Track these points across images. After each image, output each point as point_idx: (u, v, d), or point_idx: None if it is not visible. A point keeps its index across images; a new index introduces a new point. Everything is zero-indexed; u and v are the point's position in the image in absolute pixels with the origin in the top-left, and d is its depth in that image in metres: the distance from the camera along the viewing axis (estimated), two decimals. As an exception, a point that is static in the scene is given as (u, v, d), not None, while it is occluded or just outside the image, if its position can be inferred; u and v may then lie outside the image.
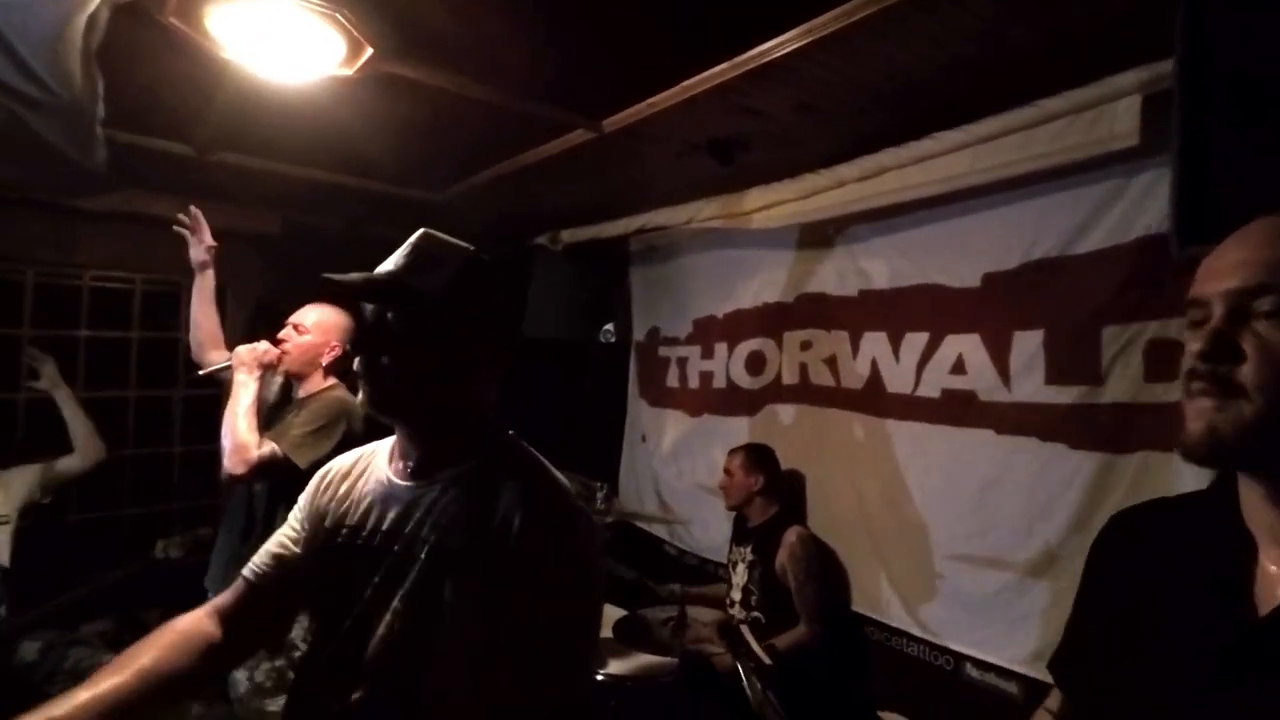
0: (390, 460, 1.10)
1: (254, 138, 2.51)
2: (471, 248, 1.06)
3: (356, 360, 1.03)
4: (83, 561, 3.03)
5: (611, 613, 2.52)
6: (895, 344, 2.56)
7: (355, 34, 1.61)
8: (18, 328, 3.09)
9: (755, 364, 3.17)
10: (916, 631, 2.44)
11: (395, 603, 0.96)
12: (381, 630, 0.96)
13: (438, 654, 0.93)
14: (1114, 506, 1.88)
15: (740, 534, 2.75)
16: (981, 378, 2.28)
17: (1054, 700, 1.00)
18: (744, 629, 1.88)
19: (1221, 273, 0.72)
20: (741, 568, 2.66)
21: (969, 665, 2.28)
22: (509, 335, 1.09)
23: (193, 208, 2.32)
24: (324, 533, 1.10)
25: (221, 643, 1.10)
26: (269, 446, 1.97)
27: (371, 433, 2.13)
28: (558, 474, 1.04)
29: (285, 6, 1.52)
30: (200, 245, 2.30)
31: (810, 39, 1.66)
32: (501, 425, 1.09)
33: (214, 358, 2.27)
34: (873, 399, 2.63)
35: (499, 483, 0.97)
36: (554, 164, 2.59)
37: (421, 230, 1.06)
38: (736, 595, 2.64)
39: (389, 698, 0.94)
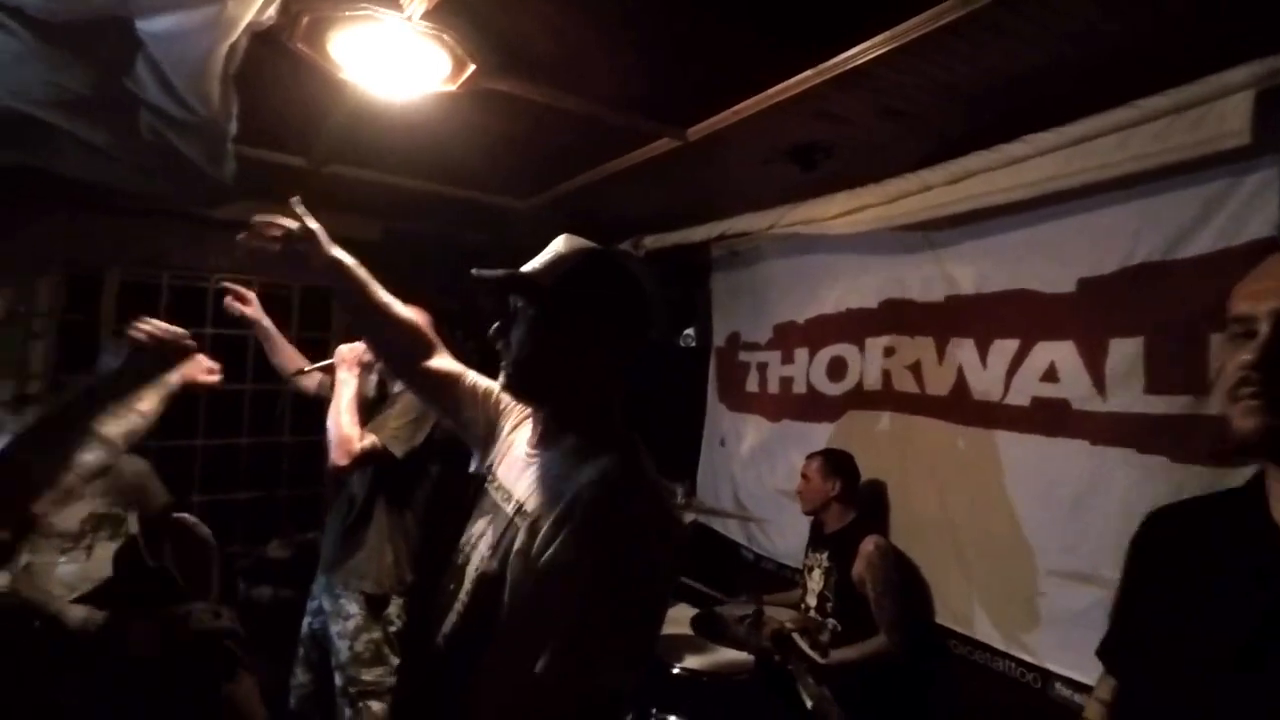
0: (532, 428, 1.20)
1: (362, 150, 2.70)
2: (599, 246, 1.15)
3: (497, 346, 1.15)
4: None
5: (687, 611, 2.57)
6: (983, 350, 2.50)
7: (459, 52, 1.74)
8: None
9: (837, 370, 3.15)
10: (1003, 647, 2.37)
11: (484, 549, 1.08)
12: (472, 571, 1.07)
13: (501, 606, 1.00)
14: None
15: (817, 540, 2.74)
16: (1075, 386, 2.21)
17: (1104, 689, 1.08)
18: (795, 635, 1.89)
19: (1267, 294, 0.86)
20: (817, 574, 2.65)
21: (1058, 684, 2.19)
22: (628, 326, 1.14)
23: (227, 283, 2.51)
24: (487, 454, 1.27)
25: (417, 351, 1.37)
26: (369, 439, 2.15)
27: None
28: (651, 467, 1.08)
29: (397, 29, 1.66)
30: (251, 307, 2.48)
31: (895, 44, 1.67)
32: (621, 414, 1.14)
33: (295, 365, 2.54)
34: (958, 406, 2.58)
35: (592, 458, 1.03)
36: (639, 172, 2.67)
37: (563, 234, 1.17)
38: (812, 601, 2.63)
39: (471, 637, 1.03)
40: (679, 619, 2.50)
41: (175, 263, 3.48)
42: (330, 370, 2.29)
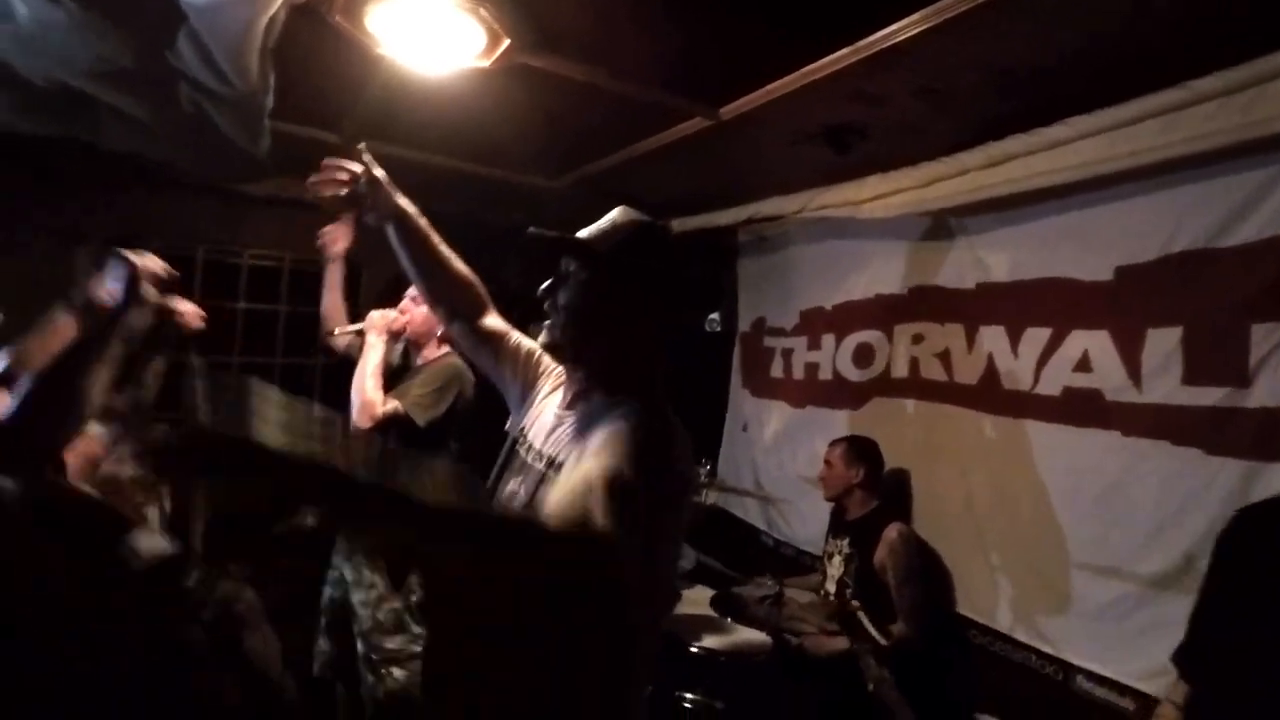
0: (565, 391, 1.22)
1: (394, 127, 2.72)
2: (654, 220, 1.19)
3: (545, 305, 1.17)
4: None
5: (706, 592, 2.58)
6: (1014, 339, 2.46)
7: (495, 27, 1.74)
8: (190, 298, 3.48)
9: (864, 356, 3.12)
10: (1025, 638, 2.35)
11: (518, 507, 1.11)
12: None
13: None
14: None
15: (838, 526, 2.73)
16: (1109, 377, 2.17)
17: (1177, 692, 1.01)
18: (860, 613, 1.89)
19: None
20: (837, 560, 2.64)
21: (1081, 677, 2.17)
22: (674, 300, 1.19)
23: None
24: (519, 416, 1.29)
25: (470, 306, 1.40)
26: (392, 404, 2.19)
27: (481, 396, 2.30)
28: (676, 422, 1.11)
29: (435, 3, 1.66)
30: (337, 246, 2.55)
31: (934, 22, 1.64)
32: (663, 388, 1.16)
33: (336, 329, 2.57)
34: (988, 395, 2.55)
35: (615, 416, 1.05)
36: (669, 152, 2.66)
37: (620, 206, 1.21)
38: (831, 587, 2.62)
39: None
40: (697, 600, 2.52)
41: (209, 237, 3.53)
42: (361, 334, 2.33)
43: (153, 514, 2.79)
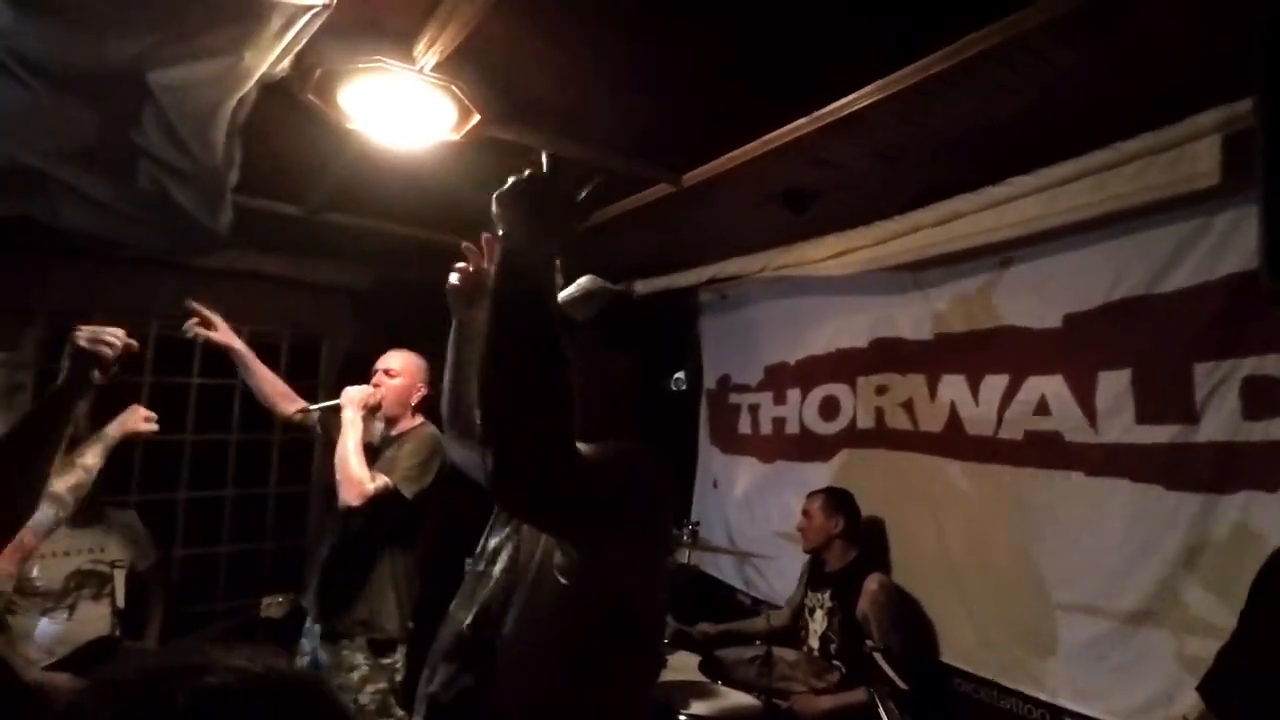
0: None
1: (359, 198, 2.73)
2: (621, 287, 1.23)
3: None
4: (187, 595, 3.21)
5: (691, 659, 2.53)
6: (974, 386, 2.55)
7: (466, 103, 1.78)
8: (139, 375, 3.36)
9: (829, 409, 3.18)
10: (1008, 683, 2.36)
11: (503, 561, 1.16)
12: (497, 574, 1.15)
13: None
14: (1218, 551, 1.86)
15: (817, 578, 2.73)
16: (1066, 419, 2.26)
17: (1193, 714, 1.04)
18: (877, 655, 1.86)
19: None
20: (820, 614, 2.63)
21: (1067, 719, 2.19)
22: (645, 361, 1.23)
23: (191, 303, 2.43)
24: None
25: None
26: (381, 480, 2.13)
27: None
28: (646, 450, 1.17)
29: (407, 81, 1.70)
30: (218, 331, 2.44)
31: (888, 92, 1.75)
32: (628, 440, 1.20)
33: (288, 406, 2.48)
34: (952, 442, 2.62)
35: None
36: (634, 216, 2.73)
37: (588, 275, 1.27)
38: (815, 643, 2.60)
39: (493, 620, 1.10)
40: (684, 666, 2.46)
41: (162, 311, 3.44)
42: (336, 411, 2.28)
43: (102, 608, 2.62)
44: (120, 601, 2.72)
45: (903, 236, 2.52)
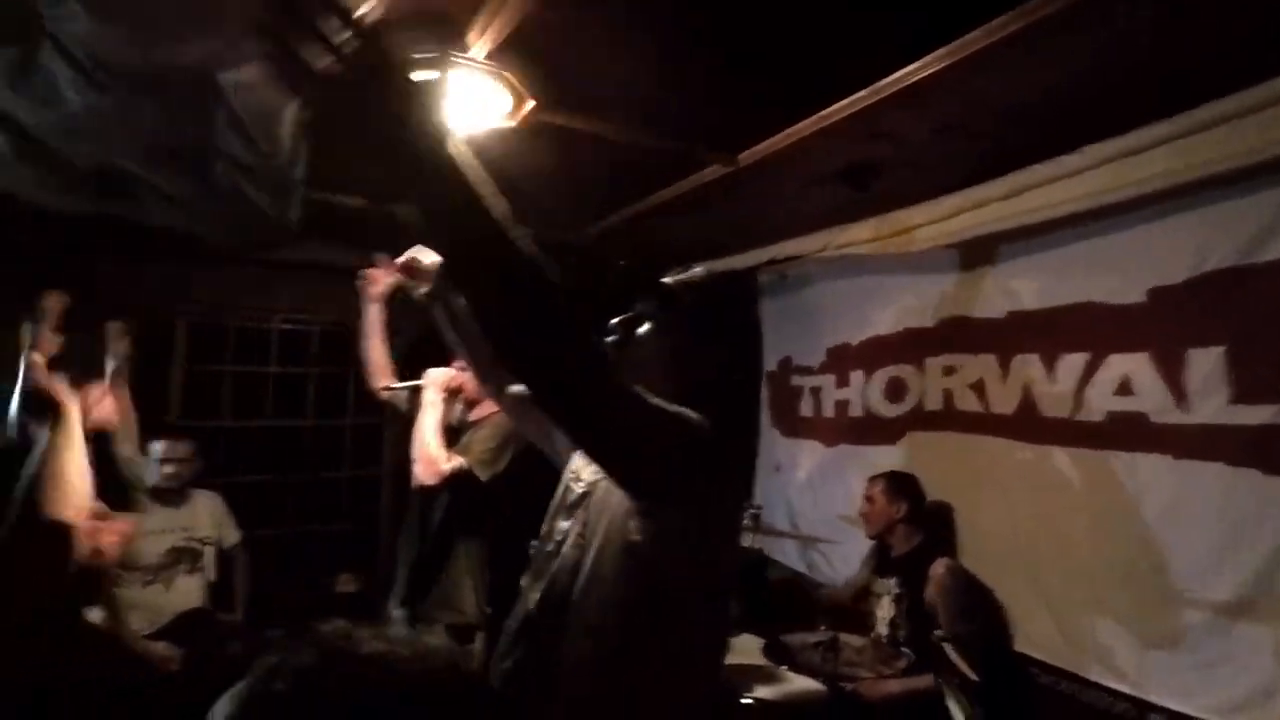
0: None
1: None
2: (732, 271, 1.23)
3: None
4: (268, 571, 3.39)
5: (754, 641, 2.52)
6: (1050, 366, 2.43)
7: (520, 89, 1.79)
8: (221, 365, 3.55)
9: (895, 391, 3.09)
10: (1091, 675, 2.26)
11: (572, 538, 1.16)
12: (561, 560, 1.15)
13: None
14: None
15: (883, 564, 2.67)
16: (1152, 399, 2.13)
17: None
18: (946, 645, 1.82)
19: None
20: (887, 601, 2.57)
21: (1154, 716, 2.08)
22: (742, 348, 1.24)
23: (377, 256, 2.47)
24: (569, 462, 1.33)
25: None
26: (456, 460, 2.19)
27: (530, 451, 2.31)
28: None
29: (461, 70, 1.72)
30: (379, 284, 2.51)
31: (951, 60, 1.67)
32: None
33: (382, 381, 2.52)
34: (1026, 424, 2.51)
35: None
36: (690, 199, 2.70)
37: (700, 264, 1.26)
38: (883, 630, 2.55)
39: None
40: (747, 649, 2.45)
41: (241, 304, 3.61)
42: (418, 392, 2.34)
43: (194, 581, 2.80)
44: (211, 575, 2.91)
45: (970, 211, 2.42)
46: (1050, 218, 2.23)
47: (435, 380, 2.33)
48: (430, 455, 2.20)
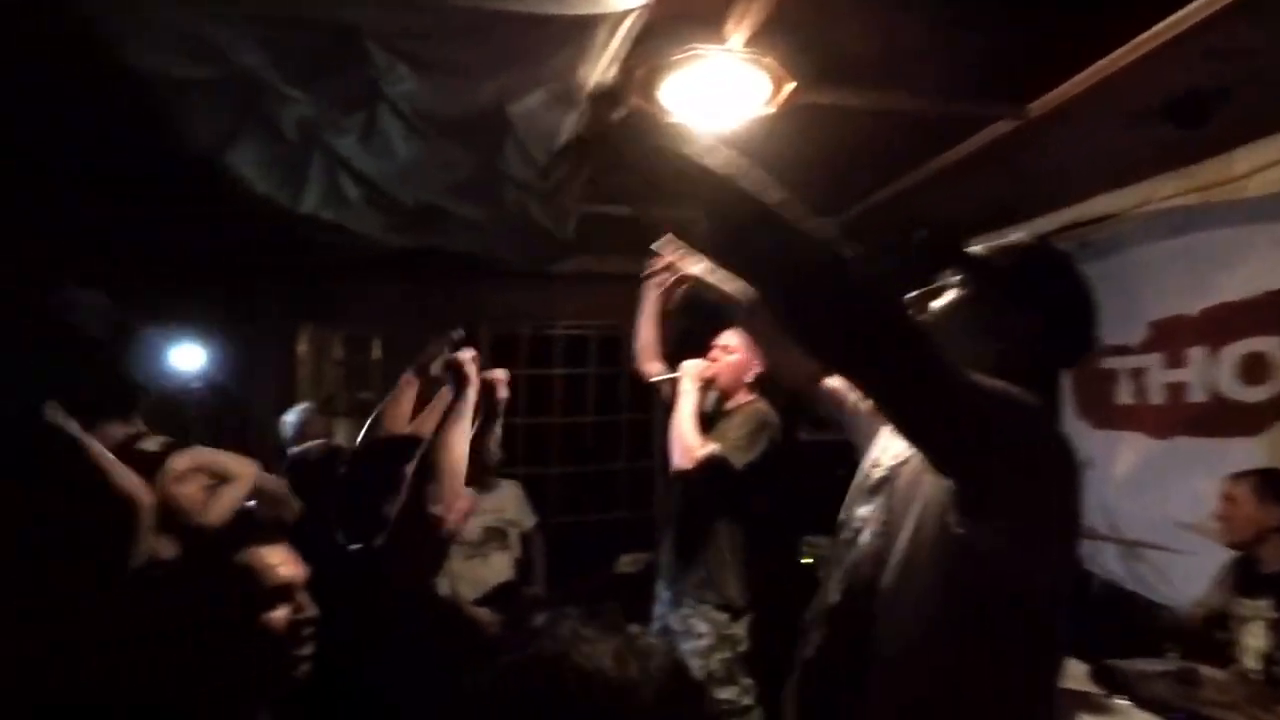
0: None
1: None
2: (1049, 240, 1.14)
3: None
4: (561, 553, 3.75)
5: (1075, 666, 2.19)
6: None
7: (779, 73, 1.75)
8: (515, 369, 4.01)
9: (1255, 370, 2.49)
10: None
11: (874, 526, 1.11)
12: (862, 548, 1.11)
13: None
14: None
15: (1249, 583, 2.16)
16: None
17: None
18: None
19: None
20: (1257, 628, 2.07)
21: None
22: (1062, 326, 1.09)
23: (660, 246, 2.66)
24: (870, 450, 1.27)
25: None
26: (711, 447, 2.27)
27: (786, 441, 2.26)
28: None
29: (721, 62, 1.73)
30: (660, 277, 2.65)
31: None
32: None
33: (651, 367, 2.66)
34: None
35: None
36: (967, 164, 2.44)
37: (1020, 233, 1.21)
38: (1252, 663, 2.06)
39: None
40: (1070, 674, 2.13)
41: (530, 315, 4.04)
42: (675, 383, 2.46)
43: (505, 558, 3.19)
44: (517, 553, 3.29)
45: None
46: None
47: (691, 371, 2.45)
48: (686, 442, 2.29)
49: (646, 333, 2.67)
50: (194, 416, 3.20)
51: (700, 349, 2.62)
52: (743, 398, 2.50)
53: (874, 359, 0.85)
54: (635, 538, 3.98)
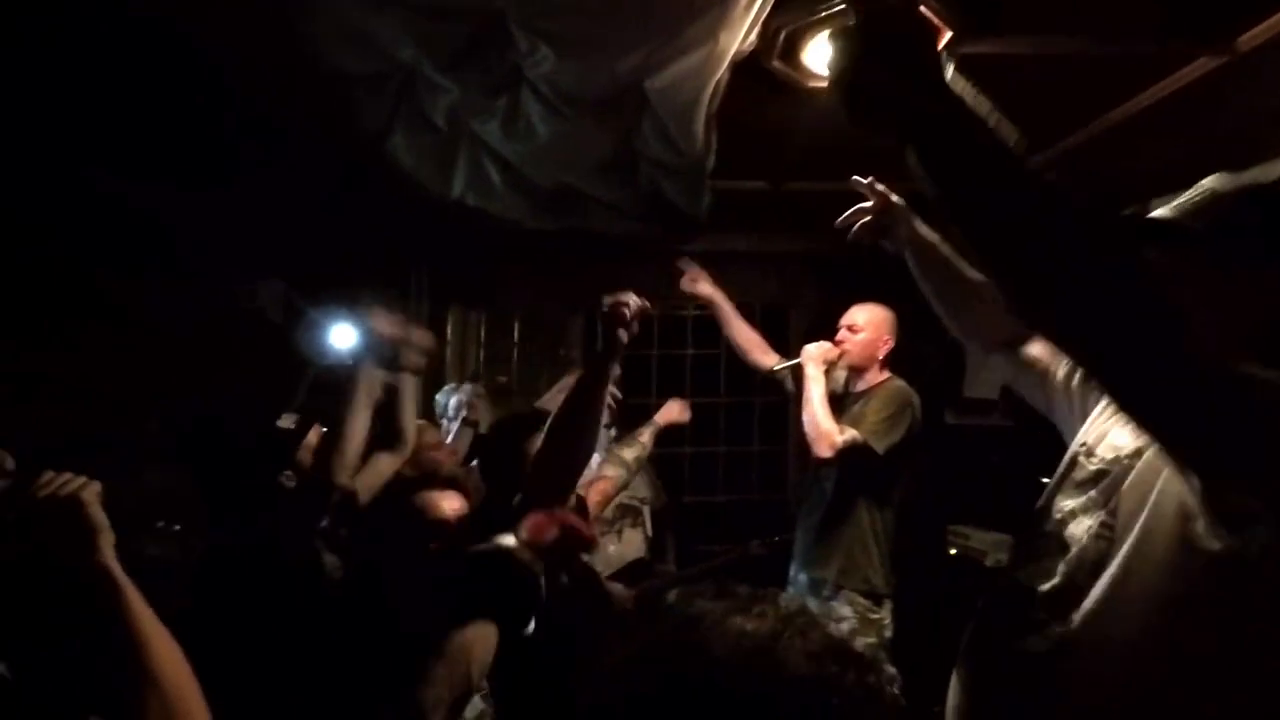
0: None
1: (825, 161, 2.74)
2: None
3: None
4: (693, 534, 3.75)
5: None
6: None
7: (937, 22, 1.62)
8: (648, 349, 4.03)
9: None
10: None
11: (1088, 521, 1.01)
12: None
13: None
14: None
15: None
16: None
17: None
18: None
19: None
20: None
21: None
22: None
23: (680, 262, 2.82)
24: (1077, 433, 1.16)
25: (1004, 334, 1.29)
26: (850, 433, 2.17)
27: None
28: None
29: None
30: (699, 285, 2.75)
31: None
32: None
33: (765, 360, 2.64)
34: None
35: None
36: (1157, 112, 2.15)
37: (1216, 174, 1.00)
38: None
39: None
40: None
41: (661, 294, 4.04)
42: (799, 369, 2.39)
43: (637, 535, 3.23)
44: (649, 531, 3.33)
45: None
46: None
47: (813, 355, 2.38)
48: (823, 430, 2.22)
49: (737, 333, 2.72)
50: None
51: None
52: (877, 376, 2.39)
53: (1149, 353, 0.73)
54: (767, 520, 3.92)
